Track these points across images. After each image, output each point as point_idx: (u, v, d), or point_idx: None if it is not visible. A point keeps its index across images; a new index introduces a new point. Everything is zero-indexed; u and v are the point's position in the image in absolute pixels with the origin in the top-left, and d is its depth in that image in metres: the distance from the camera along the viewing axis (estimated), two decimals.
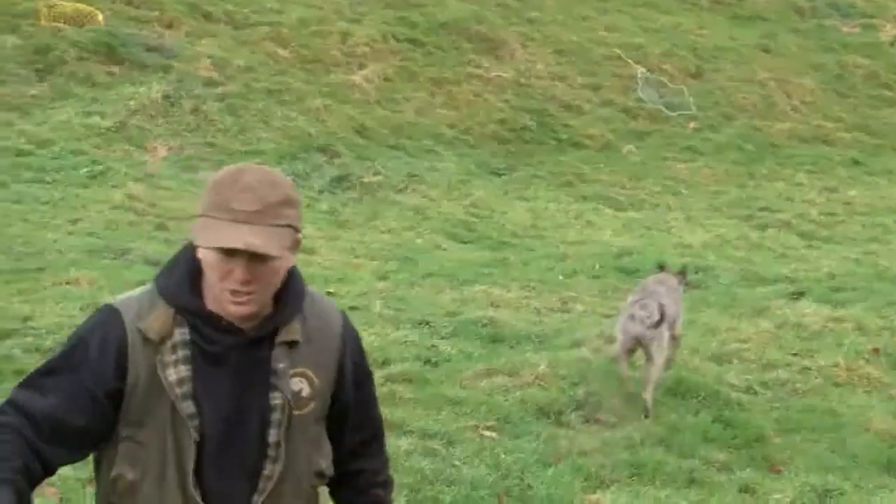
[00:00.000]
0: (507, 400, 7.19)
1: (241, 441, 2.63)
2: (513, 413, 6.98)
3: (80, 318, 7.92)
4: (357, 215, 14.06)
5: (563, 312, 9.84)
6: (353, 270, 11.19)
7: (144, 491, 2.62)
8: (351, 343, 2.80)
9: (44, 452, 2.53)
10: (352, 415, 2.82)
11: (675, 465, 6.51)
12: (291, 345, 2.66)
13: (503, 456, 6.26)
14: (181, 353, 2.58)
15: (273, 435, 2.64)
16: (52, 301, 8.44)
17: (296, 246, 2.59)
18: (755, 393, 7.86)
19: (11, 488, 2.42)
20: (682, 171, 17.90)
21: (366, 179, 15.11)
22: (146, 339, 2.57)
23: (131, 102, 15.57)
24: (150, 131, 15.19)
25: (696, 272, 11.24)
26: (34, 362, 6.96)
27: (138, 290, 2.69)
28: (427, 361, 7.94)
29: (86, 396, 2.56)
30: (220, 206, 2.48)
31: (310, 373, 2.69)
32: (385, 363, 7.75)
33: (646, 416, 7.13)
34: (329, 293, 9.83)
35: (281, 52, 18.13)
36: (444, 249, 13.00)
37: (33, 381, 2.60)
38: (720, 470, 6.63)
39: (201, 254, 2.54)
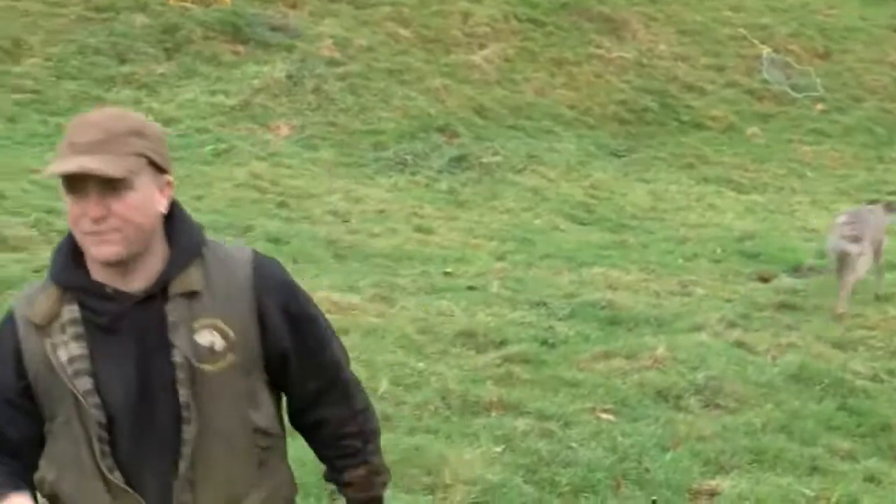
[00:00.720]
0: (624, 383, 7.12)
1: (151, 410, 2.42)
2: (630, 396, 6.91)
3: None
4: (475, 196, 14.05)
5: (683, 296, 9.70)
6: (471, 251, 11.18)
7: (65, 490, 2.47)
8: (269, 285, 2.52)
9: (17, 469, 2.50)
10: (294, 362, 2.57)
11: (797, 453, 6.37)
12: (190, 296, 2.43)
13: (620, 439, 6.20)
14: (71, 330, 2.42)
15: (183, 395, 2.41)
16: None
17: (162, 184, 2.41)
18: (881, 381, 7.64)
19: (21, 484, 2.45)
20: (807, 153, 17.51)
21: (484, 160, 15.08)
22: (34, 326, 2.44)
23: (255, 81, 15.81)
24: (273, 110, 15.40)
25: (820, 258, 10.99)
26: None
27: (37, 283, 2.56)
28: (544, 343, 7.90)
29: (5, 407, 2.48)
30: (64, 143, 2.34)
31: (220, 323, 2.45)
32: (502, 343, 7.73)
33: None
34: (447, 273, 9.86)
35: (402, 31, 18.19)
36: (563, 231, 12.92)
37: None
38: (844, 458, 6.47)
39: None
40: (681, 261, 11.39)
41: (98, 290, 2.42)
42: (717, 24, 20.84)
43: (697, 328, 8.30)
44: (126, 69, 15.80)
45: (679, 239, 12.52)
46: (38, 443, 2.50)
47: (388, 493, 2.80)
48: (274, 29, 17.27)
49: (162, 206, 2.41)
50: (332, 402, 2.64)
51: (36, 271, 8.07)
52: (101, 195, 2.31)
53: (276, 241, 10.29)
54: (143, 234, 2.37)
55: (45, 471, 2.48)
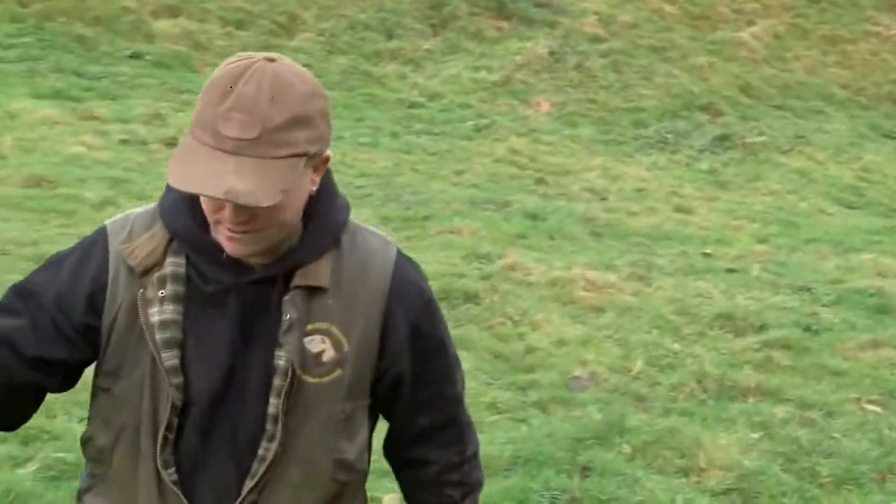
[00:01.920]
0: (893, 374, 6.79)
1: (234, 409, 2.02)
2: None
3: (462, 267, 8.22)
4: (738, 176, 13.68)
5: None
6: (732, 232, 10.90)
7: (115, 463, 2.07)
8: (406, 298, 2.09)
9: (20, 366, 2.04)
10: (411, 392, 2.15)
11: None
12: (313, 291, 2.01)
13: (887, 432, 5.91)
14: (171, 288, 1.99)
15: (273, 405, 2.00)
16: (437, 249, 8.75)
17: (319, 163, 1.96)
18: None
19: None
20: None
21: (749, 140, 14.67)
22: (129, 269, 2.01)
23: (517, 58, 15.89)
24: (535, 86, 15.44)
25: None
26: None
27: (141, 209, 2.12)
28: (807, 329, 7.62)
29: (48, 325, 2.04)
30: (205, 125, 1.84)
31: (336, 331, 2.02)
32: (762, 328, 7.51)
33: None
34: (706, 254, 9.65)
35: (668, 8, 17.88)
36: (830, 214, 12.43)
37: (9, 296, 2.09)
38: None
39: None
40: None
41: (213, 252, 1.99)
42: None
43: None
44: (393, 44, 16.18)
45: None
46: (63, 368, 2.07)
47: None
48: (538, 5, 17.30)
49: (314, 187, 1.98)
50: (442, 444, 2.23)
51: None
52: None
53: (533, 217, 10.32)
54: (287, 228, 1.97)
55: (98, 432, 2.08)
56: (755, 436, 5.71)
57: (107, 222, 2.09)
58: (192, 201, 1.98)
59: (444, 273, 7.89)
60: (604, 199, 11.73)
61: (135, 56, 14.12)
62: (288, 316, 1.98)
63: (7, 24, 13.88)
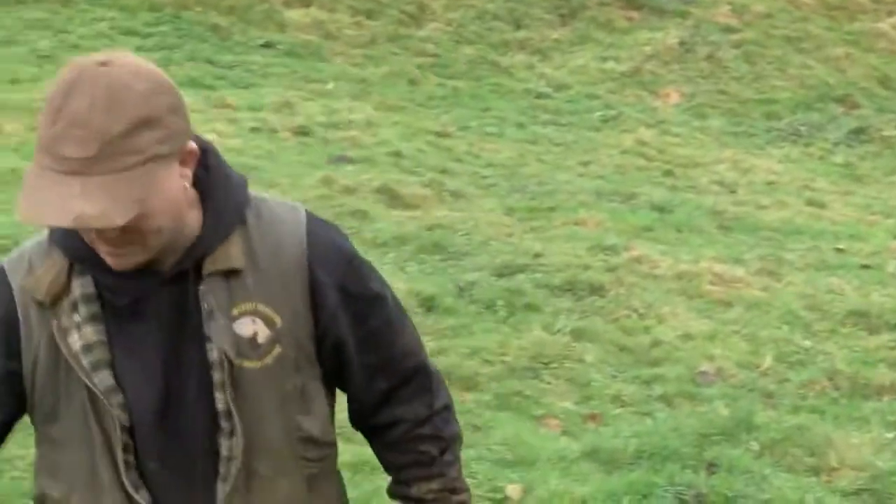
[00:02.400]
0: None
1: (183, 416, 1.92)
2: None
3: (587, 259, 8.15)
4: (875, 170, 13.31)
5: None
6: (867, 228, 10.60)
7: None
8: (327, 260, 1.99)
9: None
10: (359, 358, 2.04)
11: None
12: (229, 275, 1.91)
13: None
14: (85, 310, 1.89)
15: (220, 401, 1.90)
16: (562, 240, 8.69)
17: (184, 157, 1.82)
18: None
19: None
20: None
21: (886, 133, 14.25)
22: (37, 303, 1.90)
23: (647, 48, 15.71)
24: (663, 77, 15.25)
25: None
26: (542, 297, 7.23)
27: (33, 241, 1.98)
28: None
29: None
30: (44, 149, 1.72)
31: (264, 308, 1.93)
32: None
33: None
34: (839, 249, 9.40)
35: None
36: None
37: None
38: None
39: None
40: None
41: None
42: None
43: None
44: (521, 34, 16.13)
45: None
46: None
47: None
48: None
49: (187, 181, 1.85)
50: (406, 400, 2.11)
51: (429, 229, 8.39)
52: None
53: (660, 209, 10.19)
54: (169, 230, 1.84)
55: (48, 487, 1.97)
56: (889, 435, 5.56)
57: (2, 262, 1.96)
58: None
59: (568, 264, 7.84)
60: (733, 191, 11.52)
61: (267, 45, 14.34)
62: (206, 304, 1.89)
63: (146, 13, 14.22)
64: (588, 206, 9.88)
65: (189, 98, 11.53)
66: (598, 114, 14.00)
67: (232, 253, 1.91)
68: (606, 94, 14.67)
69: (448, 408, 2.16)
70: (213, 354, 1.90)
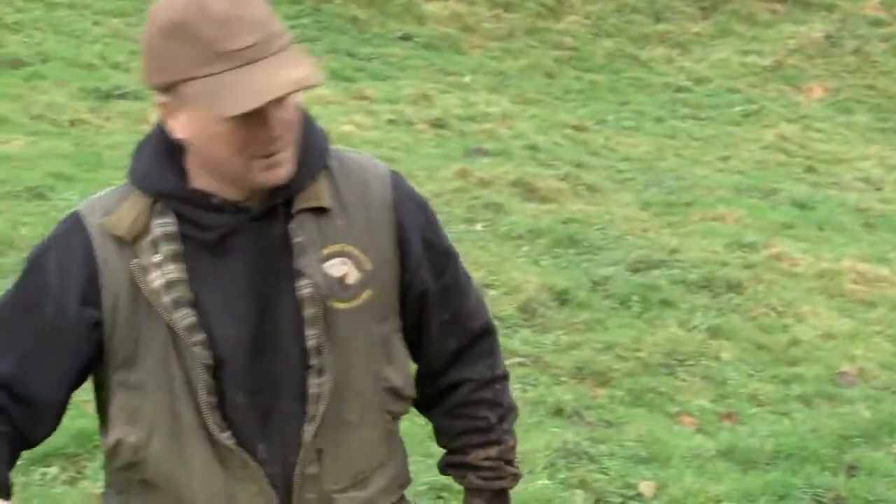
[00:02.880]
0: None
1: (273, 353, 1.89)
2: None
3: (725, 255, 8.02)
4: None
5: None
6: None
7: (154, 453, 1.90)
8: (411, 209, 1.99)
9: (19, 422, 1.90)
10: (436, 310, 2.03)
11: None
12: (317, 212, 1.90)
13: None
14: (166, 248, 1.85)
15: (312, 337, 1.88)
16: (699, 235, 8.57)
17: None
18: None
19: None
20: None
21: None
22: (117, 240, 1.87)
23: (790, 42, 15.38)
24: (807, 71, 14.91)
25: None
26: (678, 293, 7.15)
27: (105, 190, 1.98)
28: None
29: (55, 341, 1.89)
30: (211, 55, 1.74)
31: (354, 250, 1.91)
32: None
33: None
34: None
35: None
36: None
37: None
38: None
39: (195, 130, 1.81)
40: None
41: (203, 201, 1.87)
42: None
43: None
44: (661, 27, 15.95)
45: None
46: (59, 405, 1.94)
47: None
48: None
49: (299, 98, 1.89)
50: (473, 359, 2.10)
51: (564, 223, 8.36)
52: (274, 108, 1.79)
53: (801, 206, 9.97)
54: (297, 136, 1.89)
55: (124, 432, 1.91)
56: None
57: (74, 209, 1.94)
58: (170, 158, 1.88)
59: (706, 260, 7.73)
60: (879, 189, 11.20)
61: (405, 38, 14.45)
62: (299, 239, 1.87)
63: (287, 6, 14.44)
64: (727, 202, 9.72)
65: (328, 90, 11.72)
66: (739, 108, 13.76)
67: (321, 192, 1.91)
68: (748, 89, 14.41)
69: (507, 377, 2.15)
70: (306, 290, 1.88)
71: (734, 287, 7.35)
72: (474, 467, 2.12)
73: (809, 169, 11.71)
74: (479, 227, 8.20)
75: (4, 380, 1.86)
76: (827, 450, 5.11)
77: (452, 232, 7.84)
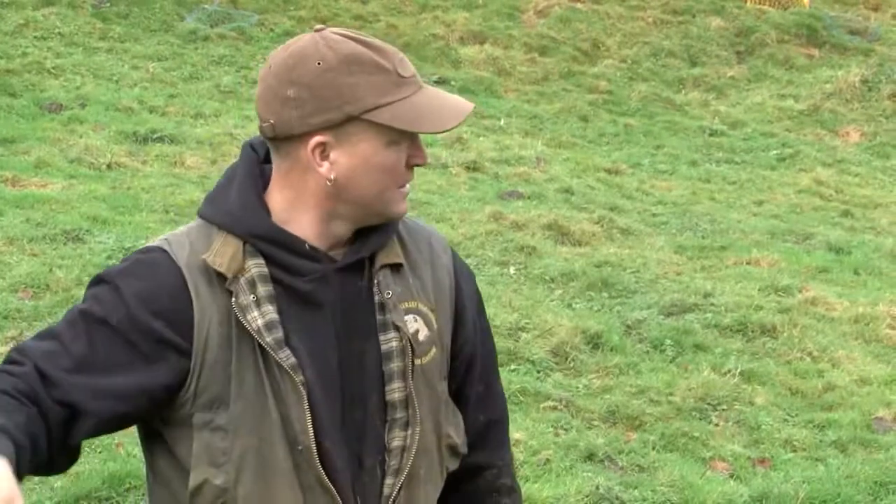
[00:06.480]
0: None
1: (355, 405, 1.89)
2: None
3: (759, 299, 7.98)
4: None
5: None
6: None
7: (243, 496, 1.86)
8: (466, 274, 2.05)
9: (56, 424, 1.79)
10: (476, 380, 2.05)
11: None
12: (395, 270, 1.93)
13: None
14: (263, 289, 1.84)
15: (398, 390, 1.89)
16: (733, 280, 8.54)
17: None
18: None
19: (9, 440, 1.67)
20: None
21: None
22: (215, 276, 1.84)
23: (827, 86, 15.34)
24: (844, 116, 14.86)
25: None
26: (712, 337, 7.11)
27: (182, 227, 1.95)
28: None
29: (121, 353, 1.83)
30: (398, 81, 1.84)
31: (424, 308, 1.94)
32: None
33: None
34: None
35: None
36: None
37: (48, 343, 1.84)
38: None
39: (359, 162, 1.85)
40: None
41: (296, 246, 1.87)
42: None
43: None
44: (696, 71, 15.97)
45: None
46: (97, 417, 1.82)
47: None
48: (852, 32, 16.70)
49: None
50: (495, 446, 2.11)
51: (597, 266, 8.35)
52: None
53: (836, 250, 9.90)
54: None
55: (209, 474, 1.86)
56: None
57: (157, 243, 1.90)
58: (259, 200, 1.89)
59: (740, 305, 7.69)
60: None
61: (440, 81, 14.53)
62: (389, 294, 1.90)
63: None
64: (761, 246, 9.68)
65: None
66: (774, 152, 13.72)
67: (396, 250, 1.96)
68: (783, 133, 14.37)
69: (513, 459, 2.18)
70: (393, 343, 1.90)
71: (768, 331, 7.31)
72: None
73: (845, 213, 11.64)
74: (511, 269, 8.21)
75: (54, 379, 1.79)
76: (862, 496, 5.06)
77: (485, 275, 7.86)
